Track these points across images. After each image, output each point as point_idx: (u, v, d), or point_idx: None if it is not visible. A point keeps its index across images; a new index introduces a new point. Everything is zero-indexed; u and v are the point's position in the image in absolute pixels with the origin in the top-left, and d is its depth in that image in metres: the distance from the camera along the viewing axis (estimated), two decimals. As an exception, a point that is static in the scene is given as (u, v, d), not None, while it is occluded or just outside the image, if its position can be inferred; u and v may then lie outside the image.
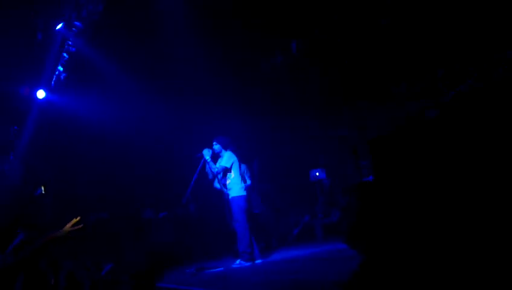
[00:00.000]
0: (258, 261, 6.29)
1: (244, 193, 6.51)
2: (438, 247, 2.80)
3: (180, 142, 8.59)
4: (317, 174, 8.83)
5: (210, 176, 6.72)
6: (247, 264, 6.14)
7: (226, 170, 6.56)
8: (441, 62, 7.37)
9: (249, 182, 7.17)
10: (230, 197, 6.48)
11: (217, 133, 6.96)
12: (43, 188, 7.56)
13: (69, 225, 3.17)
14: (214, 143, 6.77)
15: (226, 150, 6.75)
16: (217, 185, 6.69)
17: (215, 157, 6.78)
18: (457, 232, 2.76)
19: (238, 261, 6.24)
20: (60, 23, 7.20)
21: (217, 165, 6.64)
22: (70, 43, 7.43)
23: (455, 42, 7.04)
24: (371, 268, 3.16)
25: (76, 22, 7.23)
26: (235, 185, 6.50)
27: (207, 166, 6.67)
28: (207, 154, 6.63)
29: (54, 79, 7.59)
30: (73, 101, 8.05)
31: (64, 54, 7.43)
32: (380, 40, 7.73)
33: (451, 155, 2.98)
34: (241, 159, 6.83)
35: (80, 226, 3.19)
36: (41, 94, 7.75)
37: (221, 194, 6.68)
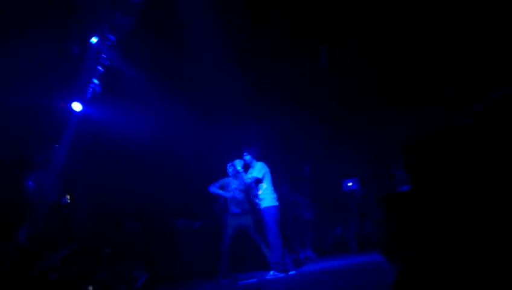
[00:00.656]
0: (292, 272, 6.23)
1: (276, 203, 6.47)
2: (482, 261, 2.70)
3: (214, 152, 8.65)
4: (350, 184, 8.71)
5: (242, 187, 6.73)
6: (281, 275, 6.09)
7: (258, 181, 6.55)
8: (476, 69, 7.21)
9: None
10: (262, 207, 6.46)
11: (248, 144, 6.98)
12: (68, 196, 7.72)
13: None
14: (245, 154, 6.78)
15: (257, 160, 6.74)
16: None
17: (246, 168, 6.79)
18: (506, 251, 2.66)
19: (272, 273, 6.19)
20: (94, 37, 7.38)
21: (249, 175, 6.63)
22: (104, 56, 7.58)
23: (492, 49, 6.88)
24: (410, 281, 3.08)
25: (110, 36, 7.39)
26: (267, 195, 6.48)
27: (239, 176, 6.69)
28: (238, 164, 6.66)
29: (89, 92, 7.75)
30: (109, 113, 8.20)
31: (99, 67, 7.58)
32: (415, 45, 7.61)
33: (497, 163, 2.89)
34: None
35: None
36: (78, 107, 7.92)
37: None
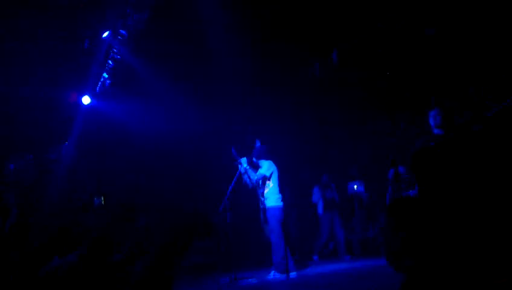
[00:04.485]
0: (293, 273, 6.18)
1: (281, 203, 6.43)
2: (487, 272, 2.66)
3: (220, 150, 8.65)
4: (356, 187, 8.65)
5: (250, 185, 6.69)
6: (282, 276, 6.06)
7: (265, 179, 6.52)
8: (484, 77, 7.10)
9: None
10: (266, 206, 6.43)
11: (256, 142, 6.95)
12: (102, 198, 7.75)
13: None
14: (254, 151, 6.75)
15: (266, 159, 6.70)
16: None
17: (255, 166, 6.76)
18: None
19: (272, 273, 6.17)
20: (106, 31, 7.41)
21: (257, 173, 6.59)
22: (115, 50, 7.62)
23: (499, 56, 6.78)
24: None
25: (121, 30, 7.42)
26: (272, 195, 6.44)
27: (245, 174, 6.65)
28: (245, 162, 6.63)
29: (99, 86, 7.80)
30: (117, 107, 8.25)
31: (110, 61, 7.62)
32: (423, 51, 7.53)
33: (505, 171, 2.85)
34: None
35: None
36: (86, 100, 7.98)
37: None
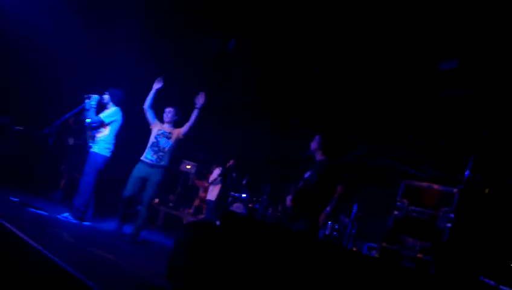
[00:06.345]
0: (87, 223, 6.18)
1: (108, 154, 6.32)
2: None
3: (84, 73, 8.08)
4: (189, 167, 9.01)
5: (86, 123, 6.39)
6: (74, 221, 6.02)
7: (102, 124, 6.33)
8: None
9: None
10: (91, 150, 6.29)
11: (113, 85, 6.69)
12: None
13: None
14: (106, 93, 6.49)
15: (116, 105, 6.49)
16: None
17: (103, 105, 6.49)
18: None
19: (66, 214, 6.07)
20: None
21: (100, 115, 6.34)
22: None
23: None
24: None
25: None
26: (102, 143, 6.29)
27: (88, 111, 6.32)
28: (94, 100, 6.31)
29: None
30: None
31: None
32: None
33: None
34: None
35: None
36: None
37: None
